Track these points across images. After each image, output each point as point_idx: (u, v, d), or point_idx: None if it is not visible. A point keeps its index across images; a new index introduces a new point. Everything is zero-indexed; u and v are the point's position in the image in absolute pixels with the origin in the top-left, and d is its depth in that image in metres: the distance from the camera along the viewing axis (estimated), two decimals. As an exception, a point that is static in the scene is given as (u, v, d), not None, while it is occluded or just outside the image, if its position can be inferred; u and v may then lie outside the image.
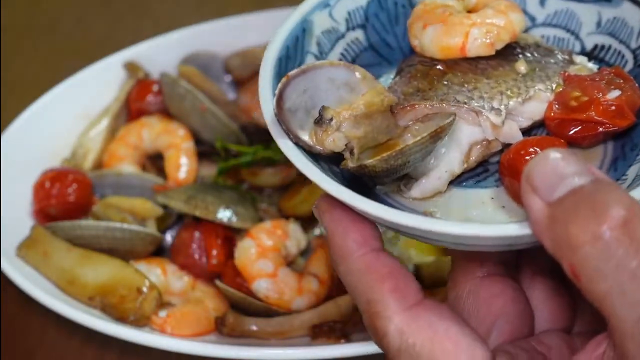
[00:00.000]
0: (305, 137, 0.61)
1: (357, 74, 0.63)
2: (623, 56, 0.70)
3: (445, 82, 0.67)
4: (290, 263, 1.09)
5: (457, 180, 0.66)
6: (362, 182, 0.65)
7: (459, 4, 0.70)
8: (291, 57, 0.67)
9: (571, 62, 0.70)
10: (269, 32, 1.35)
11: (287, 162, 1.16)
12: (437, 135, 0.61)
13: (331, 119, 0.61)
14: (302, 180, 1.16)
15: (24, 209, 1.14)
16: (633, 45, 0.69)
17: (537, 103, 0.67)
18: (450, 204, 0.65)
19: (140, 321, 1.02)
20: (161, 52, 1.30)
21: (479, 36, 0.67)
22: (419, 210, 0.64)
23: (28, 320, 1.10)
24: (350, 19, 0.72)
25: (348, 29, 0.72)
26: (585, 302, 0.64)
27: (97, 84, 1.27)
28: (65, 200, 1.12)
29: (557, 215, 0.51)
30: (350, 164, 0.61)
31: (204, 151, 1.22)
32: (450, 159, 0.65)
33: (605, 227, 0.48)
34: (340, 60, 0.71)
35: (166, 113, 1.23)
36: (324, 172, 0.59)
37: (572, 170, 0.52)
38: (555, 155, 0.52)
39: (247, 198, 1.14)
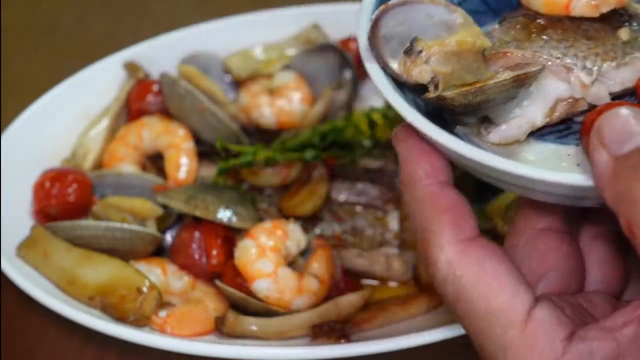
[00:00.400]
0: (394, 65, 0.62)
1: (457, 15, 0.64)
2: None
3: (544, 37, 0.67)
4: (290, 263, 1.09)
5: (538, 133, 0.66)
6: (444, 120, 0.65)
7: None
8: None
9: None
10: (269, 32, 1.37)
11: (288, 162, 1.16)
12: (520, 81, 0.62)
13: (421, 51, 0.62)
14: (302, 180, 1.16)
15: (24, 209, 1.14)
16: None
17: (631, 70, 0.67)
18: (527, 154, 0.65)
19: (140, 321, 1.02)
20: (161, 52, 1.30)
21: None
22: None
23: (28, 320, 1.10)
24: None
25: None
26: (639, 273, 0.64)
27: (97, 84, 1.27)
28: (65, 200, 1.12)
29: (621, 169, 0.51)
30: (431, 94, 0.62)
31: (204, 151, 1.22)
32: (534, 110, 0.65)
33: None
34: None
35: (166, 113, 1.23)
36: (407, 100, 0.61)
37: None
38: (627, 112, 0.53)
39: (247, 198, 1.14)
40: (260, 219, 1.12)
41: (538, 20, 0.69)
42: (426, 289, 1.06)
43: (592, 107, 0.66)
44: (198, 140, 1.22)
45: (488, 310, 0.57)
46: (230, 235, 1.10)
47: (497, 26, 0.70)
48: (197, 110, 1.20)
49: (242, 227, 1.10)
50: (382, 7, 0.63)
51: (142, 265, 1.07)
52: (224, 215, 1.10)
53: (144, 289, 1.02)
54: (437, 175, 0.61)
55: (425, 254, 0.60)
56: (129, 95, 1.26)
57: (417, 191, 0.61)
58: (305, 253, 1.12)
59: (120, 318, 1.02)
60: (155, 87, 1.24)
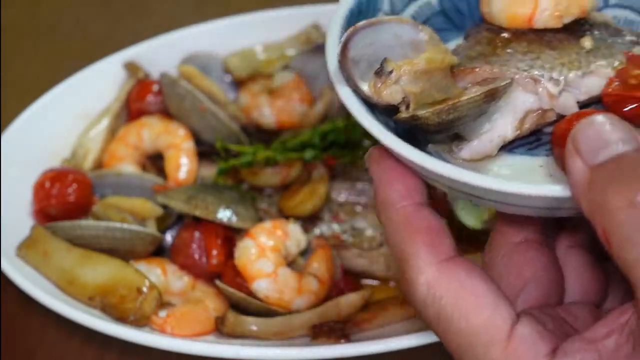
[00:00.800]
0: (364, 87, 0.62)
1: (424, 34, 0.64)
2: None
3: (509, 50, 0.68)
4: (290, 263, 1.09)
5: (508, 147, 0.66)
6: (415, 139, 0.65)
7: None
8: (363, 12, 0.68)
9: (638, 44, 0.70)
10: (269, 32, 1.37)
11: (288, 162, 1.16)
12: (491, 96, 0.62)
13: (391, 72, 0.62)
14: (302, 180, 1.16)
15: (24, 209, 1.14)
16: None
17: (596, 78, 0.67)
18: (499, 168, 0.65)
19: (140, 321, 1.02)
20: (161, 52, 1.30)
21: (548, 8, 0.68)
22: None
23: (28, 320, 1.10)
24: None
25: None
26: (618, 281, 0.64)
27: (97, 84, 1.27)
28: (65, 200, 1.12)
29: (596, 179, 0.51)
30: (404, 115, 0.62)
31: (204, 151, 1.22)
32: (504, 124, 0.66)
33: None
34: None
35: (166, 113, 1.23)
36: (379, 122, 0.61)
37: (617, 137, 0.52)
38: (602, 119, 0.53)
39: (247, 198, 1.14)
40: (260, 219, 1.12)
41: (502, 34, 0.69)
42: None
43: (560, 117, 0.66)
44: (198, 140, 1.22)
45: (469, 329, 0.57)
46: (230, 235, 1.10)
47: (463, 42, 0.70)
48: (197, 110, 1.20)
49: (242, 227, 1.10)
50: (351, 29, 0.62)
51: (142, 265, 1.07)
52: (224, 215, 1.10)
53: (144, 289, 1.02)
54: (412, 196, 0.61)
55: (402, 277, 0.59)
56: (129, 95, 1.26)
57: (392, 213, 0.61)
58: (305, 253, 1.12)
59: (120, 318, 1.02)
60: (155, 87, 1.24)
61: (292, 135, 1.21)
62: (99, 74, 1.28)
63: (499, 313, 0.57)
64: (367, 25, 0.63)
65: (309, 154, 1.15)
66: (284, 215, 1.13)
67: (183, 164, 1.20)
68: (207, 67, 1.30)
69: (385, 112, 0.64)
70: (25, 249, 1.07)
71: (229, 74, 1.31)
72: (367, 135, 1.19)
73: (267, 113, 1.25)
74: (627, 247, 0.49)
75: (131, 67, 1.28)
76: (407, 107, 0.62)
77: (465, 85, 0.65)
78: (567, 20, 0.68)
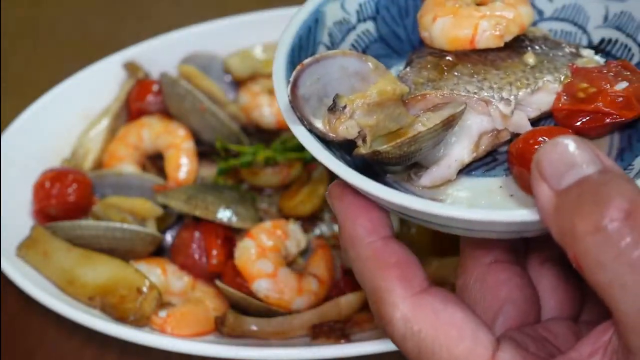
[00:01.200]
0: (318, 124, 0.62)
1: (369, 64, 0.64)
2: (630, 49, 0.71)
3: (456, 73, 0.68)
4: (290, 263, 1.09)
5: (466, 170, 0.67)
6: (373, 170, 0.65)
7: None
8: (304, 47, 0.68)
9: (578, 55, 0.71)
10: (269, 32, 1.36)
11: (288, 162, 1.16)
12: (449, 124, 0.62)
13: (345, 107, 0.62)
14: (302, 180, 1.16)
15: (24, 209, 1.14)
16: (639, 38, 0.70)
17: (545, 94, 0.68)
18: (459, 192, 0.65)
19: (140, 321, 1.02)
20: (161, 52, 1.30)
21: (488, 28, 0.68)
22: (428, 199, 0.64)
23: (28, 320, 1.10)
24: (362, 11, 0.73)
25: (359, 21, 0.73)
26: (593, 292, 0.64)
27: (97, 84, 1.27)
28: (65, 200, 1.12)
29: (563, 204, 0.51)
30: (363, 150, 0.62)
31: (204, 151, 1.22)
32: (460, 148, 0.66)
33: (607, 219, 0.49)
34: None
35: (166, 113, 1.23)
36: (337, 158, 0.60)
37: (580, 159, 0.52)
38: (565, 142, 0.53)
39: (247, 198, 1.14)
40: (260, 219, 1.12)
41: (447, 58, 0.69)
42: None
43: (514, 135, 0.67)
44: (198, 140, 1.22)
45: None
46: (230, 235, 1.10)
47: (407, 69, 0.70)
48: (197, 110, 1.20)
49: (242, 227, 1.10)
50: (298, 68, 0.62)
51: (142, 265, 1.07)
52: (224, 215, 1.10)
53: (144, 289, 1.02)
54: (378, 231, 0.60)
55: (378, 313, 0.59)
56: (129, 95, 1.26)
57: (361, 250, 0.60)
58: (305, 253, 1.12)
59: (120, 318, 1.02)
60: (155, 87, 1.24)
61: (292, 135, 1.21)
62: (99, 74, 1.28)
63: (480, 341, 0.57)
64: (313, 62, 0.63)
65: (309, 154, 1.15)
66: (284, 215, 1.13)
67: (183, 164, 1.20)
68: (207, 67, 1.30)
69: (341, 146, 0.64)
70: (25, 249, 1.07)
71: (229, 74, 1.31)
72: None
73: (267, 113, 1.25)
74: (598, 271, 0.49)
75: (131, 67, 1.28)
76: (364, 140, 0.62)
77: (417, 113, 0.65)
78: (508, 38, 0.68)
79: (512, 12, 0.69)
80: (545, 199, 0.52)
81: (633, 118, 0.65)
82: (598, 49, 0.72)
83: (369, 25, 0.74)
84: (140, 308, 1.01)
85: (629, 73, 0.66)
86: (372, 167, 0.65)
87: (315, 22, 0.70)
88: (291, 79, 0.62)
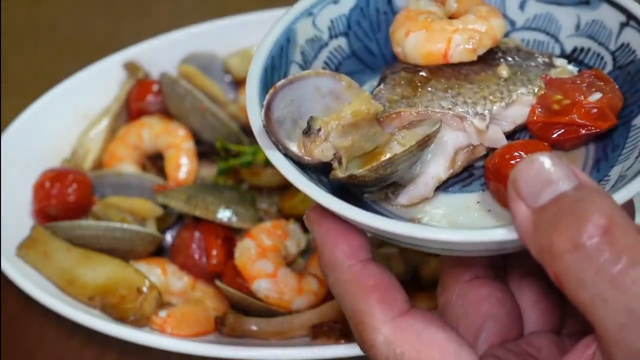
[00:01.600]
0: (293, 147, 0.61)
1: (342, 83, 0.63)
2: (602, 58, 0.70)
3: (430, 89, 0.67)
4: (290, 263, 1.09)
5: (443, 186, 0.66)
6: (349, 191, 0.65)
7: (440, 10, 0.70)
8: (276, 67, 0.67)
9: (551, 65, 0.71)
10: (269, 32, 1.35)
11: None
12: (424, 144, 0.61)
13: (319, 129, 0.61)
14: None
15: (24, 209, 1.14)
16: (612, 47, 0.69)
17: (519, 107, 0.67)
18: (437, 210, 0.65)
19: (140, 321, 1.02)
20: (161, 52, 1.30)
21: (461, 42, 0.68)
22: (406, 217, 0.64)
23: (28, 320, 1.10)
24: (333, 27, 0.72)
25: (331, 37, 0.72)
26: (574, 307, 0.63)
27: (97, 84, 1.27)
28: (65, 200, 1.12)
29: (540, 222, 0.51)
30: (340, 174, 0.61)
31: (204, 151, 1.22)
32: (436, 165, 0.65)
33: (585, 236, 0.49)
34: (324, 68, 0.71)
35: (166, 113, 1.23)
36: (313, 182, 0.60)
37: (556, 176, 0.52)
38: (540, 160, 0.53)
39: (247, 198, 1.14)
40: (260, 219, 1.12)
41: (420, 73, 0.69)
42: (426, 289, 1.05)
43: (490, 150, 0.67)
44: (198, 140, 1.22)
45: None
46: (230, 235, 1.10)
47: (381, 85, 0.69)
48: (197, 110, 1.20)
49: (242, 227, 1.10)
50: (271, 91, 0.61)
51: (142, 265, 1.07)
52: (224, 215, 1.10)
53: (144, 289, 1.02)
54: (357, 254, 0.60)
55: (360, 337, 0.59)
56: (129, 95, 1.26)
57: (340, 274, 0.60)
58: (305, 253, 1.12)
59: (120, 318, 1.02)
60: (155, 87, 1.24)
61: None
62: (99, 74, 1.28)
63: None
64: (286, 84, 0.62)
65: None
66: (284, 215, 1.13)
67: (183, 164, 1.20)
68: (207, 67, 1.30)
69: (316, 168, 0.63)
70: (25, 249, 1.07)
71: (229, 74, 1.31)
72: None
73: (267, 113, 1.25)
74: (578, 288, 0.49)
75: (131, 67, 1.28)
76: (340, 162, 0.61)
77: (392, 131, 0.65)
78: (481, 51, 0.68)
79: (485, 25, 0.68)
80: (522, 218, 0.52)
81: (607, 128, 0.65)
82: (571, 58, 0.72)
83: (341, 42, 0.73)
84: (140, 308, 1.01)
85: (602, 83, 0.66)
86: (348, 188, 0.65)
87: (287, 41, 0.69)
88: (264, 103, 0.61)
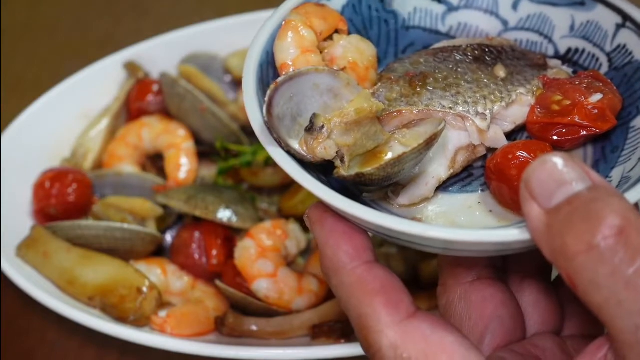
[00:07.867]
0: (295, 145, 0.60)
1: (341, 80, 0.63)
2: (597, 59, 0.70)
3: (429, 88, 0.67)
4: (290, 263, 1.09)
5: (442, 186, 0.66)
6: (349, 190, 0.64)
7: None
8: (271, 63, 0.66)
9: (546, 65, 0.71)
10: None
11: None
12: (431, 142, 0.61)
13: (322, 127, 0.60)
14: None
15: (24, 209, 1.14)
16: (608, 48, 0.69)
17: (519, 107, 0.67)
18: (438, 209, 0.65)
19: (140, 321, 1.02)
20: (161, 52, 1.30)
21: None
22: (407, 217, 0.64)
23: (28, 320, 1.10)
24: None
25: None
26: (573, 305, 0.63)
27: (97, 84, 1.27)
28: (65, 200, 1.12)
29: (554, 224, 0.51)
30: (344, 172, 0.60)
31: (204, 151, 1.22)
32: (437, 164, 0.65)
33: (599, 237, 0.48)
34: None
35: (166, 113, 1.23)
36: (315, 178, 0.59)
37: (569, 177, 0.52)
38: (553, 160, 0.52)
39: (247, 198, 1.14)
40: (260, 219, 1.12)
41: (419, 69, 0.68)
42: (426, 289, 1.05)
43: (490, 150, 0.67)
44: (198, 140, 1.22)
45: None
46: (230, 235, 1.10)
47: (379, 84, 0.68)
48: (197, 110, 1.20)
49: (242, 227, 1.10)
50: (272, 87, 0.60)
51: (142, 265, 1.07)
52: (224, 215, 1.10)
53: (144, 289, 1.02)
54: (361, 256, 0.59)
55: (366, 341, 0.58)
56: (129, 95, 1.26)
57: (344, 277, 0.59)
58: (305, 253, 1.12)
59: (120, 318, 1.02)
60: (155, 87, 1.24)
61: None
62: (99, 74, 1.28)
63: None
64: (287, 80, 0.60)
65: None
66: (284, 215, 1.13)
67: (183, 164, 1.20)
68: (207, 67, 1.30)
69: (316, 166, 0.62)
70: (25, 249, 1.07)
71: (229, 74, 1.31)
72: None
73: (267, 113, 1.25)
74: (592, 291, 0.49)
75: (131, 67, 1.28)
76: (342, 160, 0.60)
77: (392, 130, 0.64)
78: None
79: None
80: (535, 219, 0.52)
81: (607, 130, 0.65)
82: (565, 59, 0.72)
83: None
84: (140, 308, 1.01)
85: (601, 84, 0.66)
86: (348, 187, 0.64)
87: None
88: (266, 99, 0.59)
